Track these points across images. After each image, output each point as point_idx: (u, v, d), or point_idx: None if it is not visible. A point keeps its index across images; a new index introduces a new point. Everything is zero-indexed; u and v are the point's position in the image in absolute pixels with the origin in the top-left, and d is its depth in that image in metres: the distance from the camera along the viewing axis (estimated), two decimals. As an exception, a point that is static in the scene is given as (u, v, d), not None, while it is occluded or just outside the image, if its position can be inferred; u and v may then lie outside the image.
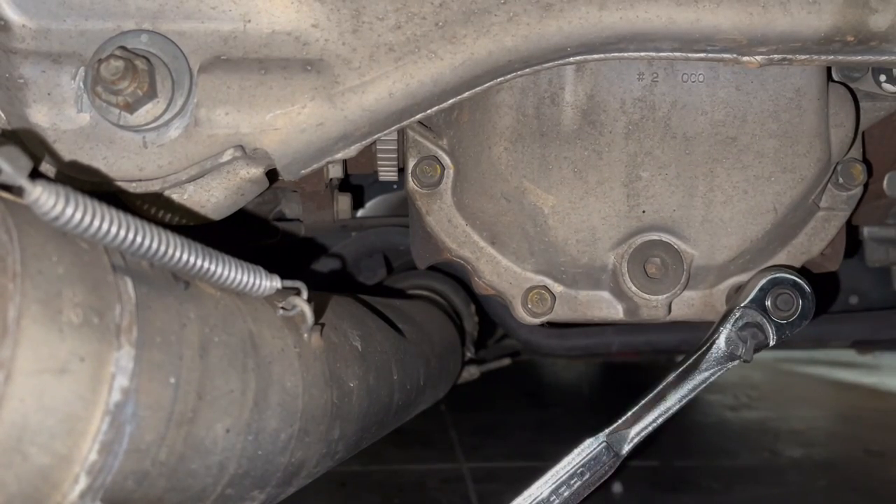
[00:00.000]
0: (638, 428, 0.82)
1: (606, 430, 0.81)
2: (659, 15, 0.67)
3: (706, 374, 0.82)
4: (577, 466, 0.80)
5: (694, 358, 0.82)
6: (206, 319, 0.56)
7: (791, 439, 2.18)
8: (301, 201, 1.11)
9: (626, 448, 0.81)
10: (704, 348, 0.82)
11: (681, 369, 0.82)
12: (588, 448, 0.81)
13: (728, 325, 0.82)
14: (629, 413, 0.82)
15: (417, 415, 1.08)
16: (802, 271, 0.90)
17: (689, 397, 0.82)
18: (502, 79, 0.73)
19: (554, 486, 0.80)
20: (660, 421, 0.82)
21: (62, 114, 0.68)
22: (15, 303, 0.43)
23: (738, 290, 0.85)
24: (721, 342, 0.82)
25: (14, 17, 0.66)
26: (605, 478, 0.81)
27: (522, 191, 0.81)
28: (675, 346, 1.47)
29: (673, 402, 0.82)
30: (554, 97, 0.80)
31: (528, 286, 0.87)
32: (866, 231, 1.23)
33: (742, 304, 0.82)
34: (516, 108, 0.80)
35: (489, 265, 0.88)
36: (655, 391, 0.82)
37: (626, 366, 2.86)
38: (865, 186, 0.89)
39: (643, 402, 0.82)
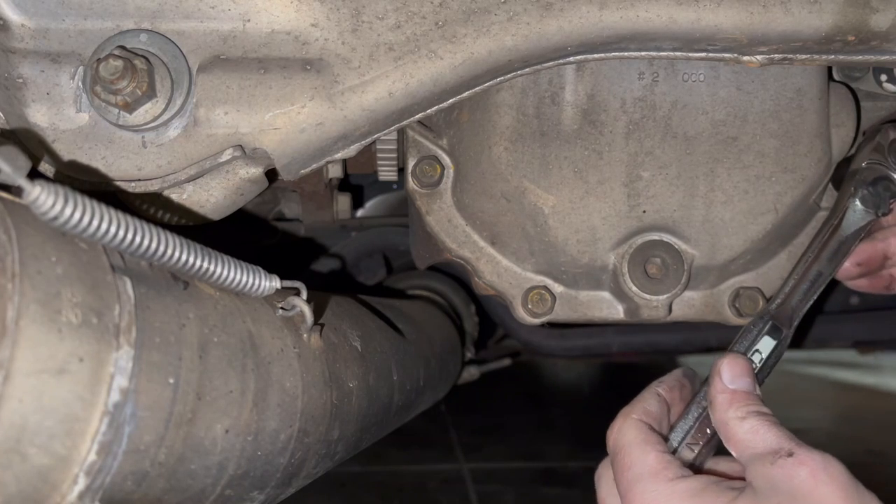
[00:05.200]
0: (798, 300, 0.76)
1: (769, 309, 0.75)
2: (659, 14, 0.67)
3: (852, 231, 0.77)
4: (746, 352, 0.73)
5: (832, 226, 0.78)
6: (206, 320, 0.55)
7: (791, 440, 2.18)
8: (301, 201, 1.11)
9: (795, 323, 0.75)
10: (840, 213, 0.78)
11: (822, 237, 0.77)
12: (754, 330, 0.74)
13: (860, 186, 0.77)
14: (785, 289, 0.76)
15: (417, 415, 1.08)
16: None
17: (841, 263, 0.77)
18: (502, 78, 0.73)
19: None
20: (818, 290, 0.76)
21: (61, 113, 0.68)
22: (14, 303, 0.43)
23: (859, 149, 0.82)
24: (857, 202, 0.78)
25: (13, 16, 0.66)
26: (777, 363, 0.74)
27: (522, 191, 0.81)
28: (675, 347, 1.47)
29: (827, 268, 0.77)
30: (554, 97, 0.79)
31: (529, 286, 0.87)
32: (867, 231, 1.23)
33: (867, 161, 0.78)
34: (516, 108, 0.80)
35: (489, 265, 0.88)
36: (800, 264, 0.77)
37: (626, 366, 2.86)
38: (866, 186, 0.89)
39: (791, 277, 0.77)
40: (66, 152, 0.68)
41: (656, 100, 0.80)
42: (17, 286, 0.43)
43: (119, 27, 0.67)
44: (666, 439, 0.70)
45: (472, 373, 1.44)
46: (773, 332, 0.74)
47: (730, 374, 0.67)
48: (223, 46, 0.68)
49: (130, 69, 0.64)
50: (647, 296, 0.82)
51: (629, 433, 0.68)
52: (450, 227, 0.88)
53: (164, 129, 0.69)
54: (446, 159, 0.86)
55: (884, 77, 0.82)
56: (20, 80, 0.67)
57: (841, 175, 0.84)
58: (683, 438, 0.70)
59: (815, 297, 0.77)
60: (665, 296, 0.83)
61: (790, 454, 0.60)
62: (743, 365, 0.69)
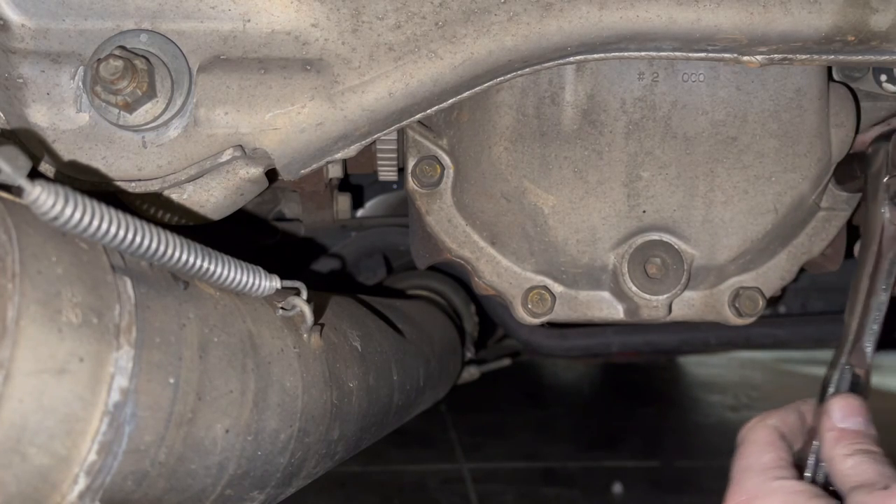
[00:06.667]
0: (870, 336, 0.72)
1: (841, 358, 0.72)
2: (659, 14, 0.67)
3: (892, 253, 0.72)
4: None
5: (874, 253, 0.73)
6: (206, 320, 0.55)
7: (791, 439, 2.18)
8: (301, 201, 1.11)
9: (870, 360, 0.72)
10: (877, 235, 0.73)
11: (866, 269, 0.73)
12: (836, 381, 0.71)
13: (886, 202, 0.74)
14: (851, 329, 0.72)
15: (417, 415, 1.08)
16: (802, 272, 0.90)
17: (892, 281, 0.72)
18: (502, 78, 0.73)
19: None
20: (882, 319, 0.72)
21: (61, 113, 0.68)
22: (14, 303, 0.43)
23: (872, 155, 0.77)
24: (888, 217, 0.73)
25: (13, 16, 0.66)
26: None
27: (522, 191, 0.81)
28: (675, 347, 1.47)
29: (884, 295, 0.72)
30: (554, 97, 0.80)
31: (528, 286, 0.87)
32: (867, 231, 1.23)
33: (889, 176, 0.74)
34: (516, 108, 0.80)
35: (489, 265, 0.88)
36: (857, 300, 0.73)
37: (626, 366, 2.86)
38: (866, 186, 0.89)
39: (854, 315, 0.73)
40: (67, 152, 0.68)
41: (656, 100, 0.80)
42: (17, 286, 0.43)
43: (119, 27, 0.67)
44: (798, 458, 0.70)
45: (472, 373, 1.44)
46: (855, 380, 0.73)
47: (840, 414, 0.69)
48: (223, 46, 0.68)
49: (130, 69, 0.64)
50: (647, 296, 0.82)
51: (759, 433, 0.70)
52: (450, 227, 0.88)
53: (165, 130, 0.69)
54: (446, 159, 0.86)
55: (884, 77, 0.82)
56: (20, 80, 0.67)
57: (842, 175, 0.84)
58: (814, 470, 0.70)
59: (881, 325, 0.74)
60: (665, 296, 0.83)
61: (886, 487, 0.62)
62: (853, 405, 0.70)
